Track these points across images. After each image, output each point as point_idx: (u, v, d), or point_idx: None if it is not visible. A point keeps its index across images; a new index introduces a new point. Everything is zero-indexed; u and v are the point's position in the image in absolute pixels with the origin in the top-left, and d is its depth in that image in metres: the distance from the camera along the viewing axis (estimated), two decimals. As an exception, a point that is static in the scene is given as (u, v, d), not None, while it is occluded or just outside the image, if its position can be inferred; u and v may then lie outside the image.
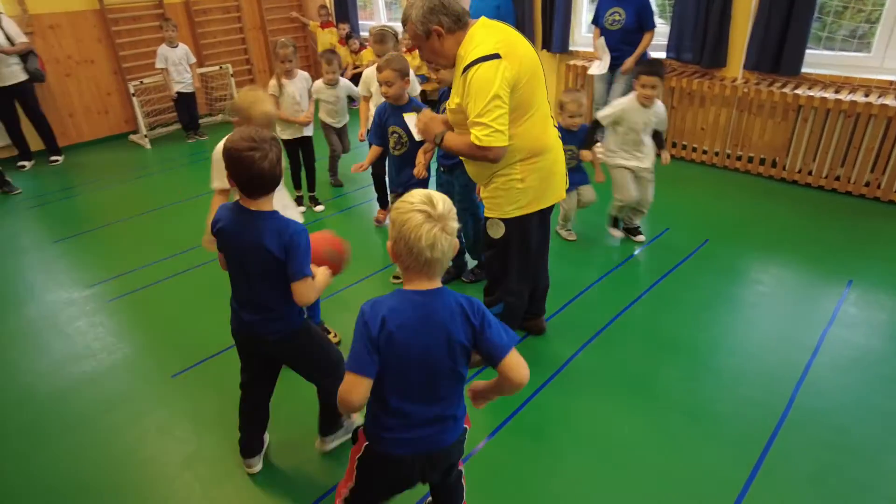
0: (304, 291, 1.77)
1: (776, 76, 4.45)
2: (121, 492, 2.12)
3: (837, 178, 4.22)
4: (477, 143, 2.03)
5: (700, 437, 2.24)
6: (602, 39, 4.75)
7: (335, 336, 2.88)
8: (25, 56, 5.24)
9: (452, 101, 2.16)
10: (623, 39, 4.66)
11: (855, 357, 2.61)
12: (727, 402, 2.40)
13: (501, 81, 1.98)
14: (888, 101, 3.85)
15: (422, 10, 2.04)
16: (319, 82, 4.36)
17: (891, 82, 4.02)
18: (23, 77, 5.24)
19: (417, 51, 2.15)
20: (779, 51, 4.32)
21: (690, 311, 2.98)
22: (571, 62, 5.42)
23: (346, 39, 7.08)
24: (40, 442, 2.36)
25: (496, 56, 1.99)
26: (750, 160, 4.62)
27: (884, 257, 3.38)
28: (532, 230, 2.37)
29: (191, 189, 4.97)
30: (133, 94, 5.97)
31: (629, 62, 4.63)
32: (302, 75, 4.11)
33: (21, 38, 5.16)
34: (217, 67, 6.66)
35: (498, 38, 2.05)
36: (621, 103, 3.34)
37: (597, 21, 4.83)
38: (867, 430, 2.24)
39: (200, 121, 6.48)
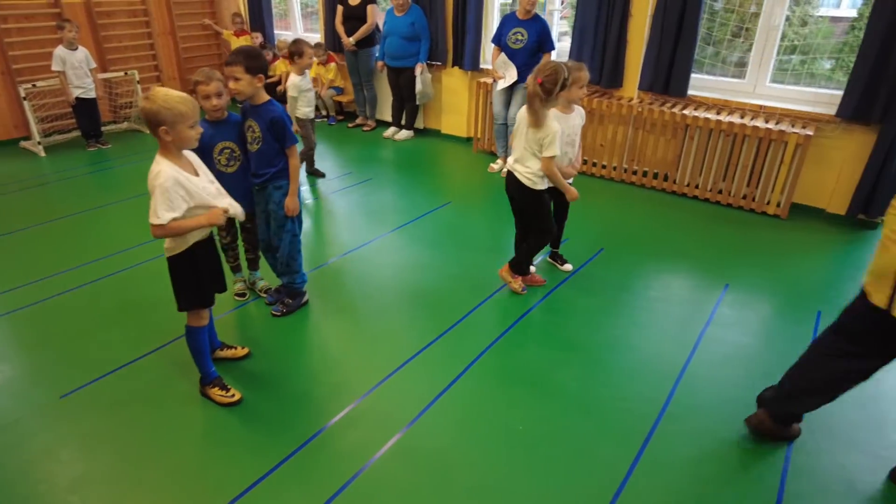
0: None
1: (667, 97, 4.83)
2: (-1, 519, 2.01)
3: (720, 192, 4.63)
4: None
5: (591, 429, 2.40)
6: (503, 55, 4.97)
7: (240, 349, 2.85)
8: None
9: None
10: (525, 60, 4.91)
11: (728, 353, 2.89)
12: (616, 397, 2.59)
13: None
14: (758, 122, 4.29)
15: None
16: (294, 77, 4.52)
17: (760, 106, 4.48)
18: None
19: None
20: (668, 74, 4.71)
21: (586, 315, 3.18)
22: (482, 79, 5.63)
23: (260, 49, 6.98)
24: None
25: None
26: (644, 174, 4.98)
27: (755, 263, 3.75)
28: None
29: (91, 200, 4.72)
30: (24, 98, 5.60)
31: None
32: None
33: None
34: (122, 73, 6.38)
35: None
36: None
37: (498, 41, 5.04)
38: (738, 420, 2.47)
39: (103, 128, 6.17)
